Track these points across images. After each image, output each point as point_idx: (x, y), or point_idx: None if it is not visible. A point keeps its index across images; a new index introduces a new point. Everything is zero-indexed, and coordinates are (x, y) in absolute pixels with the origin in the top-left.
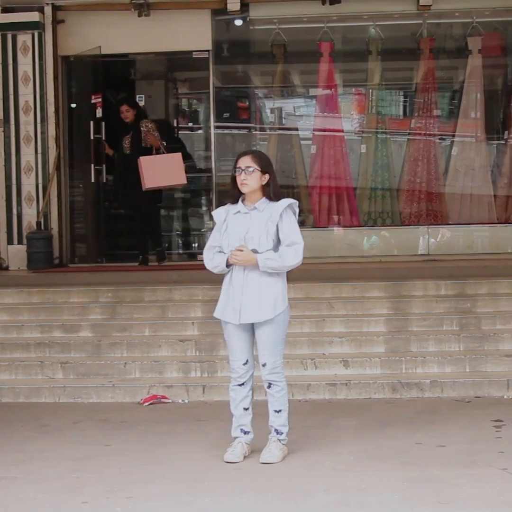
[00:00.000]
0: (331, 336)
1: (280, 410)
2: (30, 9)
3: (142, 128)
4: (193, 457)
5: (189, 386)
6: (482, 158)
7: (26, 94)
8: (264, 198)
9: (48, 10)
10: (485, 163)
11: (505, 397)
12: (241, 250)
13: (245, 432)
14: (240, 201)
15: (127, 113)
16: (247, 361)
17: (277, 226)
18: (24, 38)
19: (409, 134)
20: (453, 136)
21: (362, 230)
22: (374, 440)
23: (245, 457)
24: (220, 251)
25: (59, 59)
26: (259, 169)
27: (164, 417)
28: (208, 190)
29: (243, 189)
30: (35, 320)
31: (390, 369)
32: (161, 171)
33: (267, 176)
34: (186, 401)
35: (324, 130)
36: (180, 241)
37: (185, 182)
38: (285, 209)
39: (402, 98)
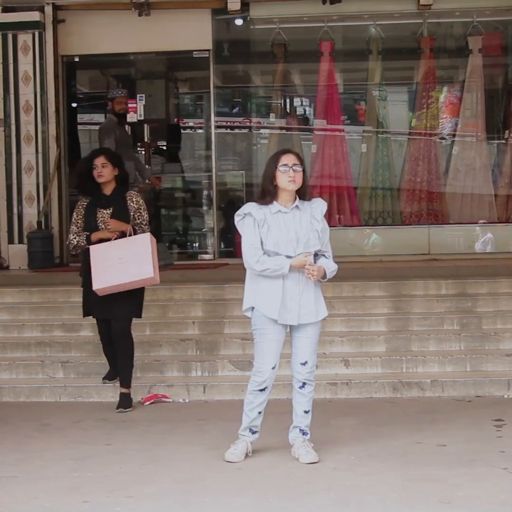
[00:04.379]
0: (332, 335)
1: (308, 411)
2: (30, 9)
3: (130, 204)
4: (193, 457)
5: (189, 386)
6: (482, 157)
7: (26, 93)
8: (298, 197)
9: (48, 9)
10: (486, 163)
11: (505, 396)
12: (307, 258)
13: (253, 432)
14: (275, 201)
15: (103, 170)
16: (275, 365)
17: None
18: (24, 38)
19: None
20: (454, 135)
21: (363, 229)
22: (374, 439)
23: (247, 456)
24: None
25: (60, 59)
26: (303, 168)
27: (165, 416)
28: (209, 189)
29: (291, 186)
30: (36, 320)
31: (391, 369)
32: (120, 264)
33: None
34: (187, 400)
35: (325, 130)
36: (180, 241)
37: (154, 278)
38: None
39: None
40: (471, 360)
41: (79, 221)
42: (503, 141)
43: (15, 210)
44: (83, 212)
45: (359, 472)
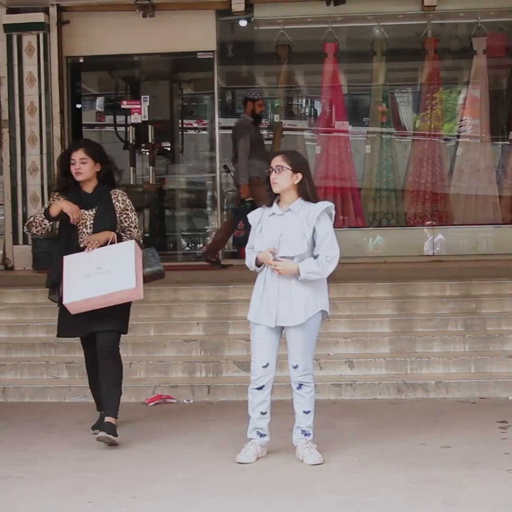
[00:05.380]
0: (336, 336)
1: (308, 411)
2: (35, 10)
3: (116, 204)
4: (198, 457)
5: (194, 386)
6: (487, 158)
7: (31, 94)
8: (299, 198)
9: (53, 11)
10: (490, 164)
11: (510, 398)
12: (272, 252)
13: (261, 435)
14: (275, 203)
15: (82, 166)
16: (267, 364)
17: (314, 229)
18: (29, 39)
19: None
20: (458, 136)
21: (367, 231)
22: (379, 440)
23: (258, 458)
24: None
25: (64, 60)
26: (290, 168)
27: (169, 417)
28: (213, 190)
29: (274, 189)
30: (41, 320)
31: (395, 370)
32: (97, 274)
33: (299, 175)
34: (191, 401)
35: (329, 131)
36: (184, 242)
37: (137, 290)
38: (322, 213)
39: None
40: (475, 361)
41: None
42: (508, 142)
43: (19, 211)
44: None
45: (363, 473)
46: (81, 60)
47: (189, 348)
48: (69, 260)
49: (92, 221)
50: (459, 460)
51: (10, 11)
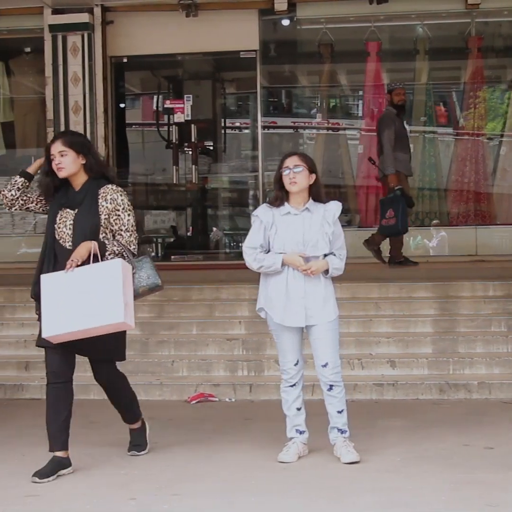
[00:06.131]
0: (378, 336)
1: (342, 410)
2: (79, 11)
3: (103, 204)
4: (239, 456)
5: (236, 385)
6: None
7: (75, 94)
8: (311, 199)
9: (97, 11)
10: None
11: None
12: (302, 256)
13: (301, 432)
14: (286, 203)
15: (62, 159)
16: (298, 361)
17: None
18: (73, 39)
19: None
20: (502, 135)
21: (409, 230)
22: (421, 441)
23: (300, 457)
24: (262, 251)
25: (108, 60)
26: (307, 168)
27: (211, 415)
28: (255, 189)
29: (293, 188)
30: None
31: (438, 370)
32: (80, 301)
33: (313, 176)
34: (233, 400)
35: (372, 130)
36: (227, 241)
37: (126, 323)
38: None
39: None
40: None
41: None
42: None
43: None
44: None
45: (405, 473)
46: (125, 60)
47: (231, 346)
48: (46, 282)
49: (72, 223)
50: (502, 462)
51: (55, 11)
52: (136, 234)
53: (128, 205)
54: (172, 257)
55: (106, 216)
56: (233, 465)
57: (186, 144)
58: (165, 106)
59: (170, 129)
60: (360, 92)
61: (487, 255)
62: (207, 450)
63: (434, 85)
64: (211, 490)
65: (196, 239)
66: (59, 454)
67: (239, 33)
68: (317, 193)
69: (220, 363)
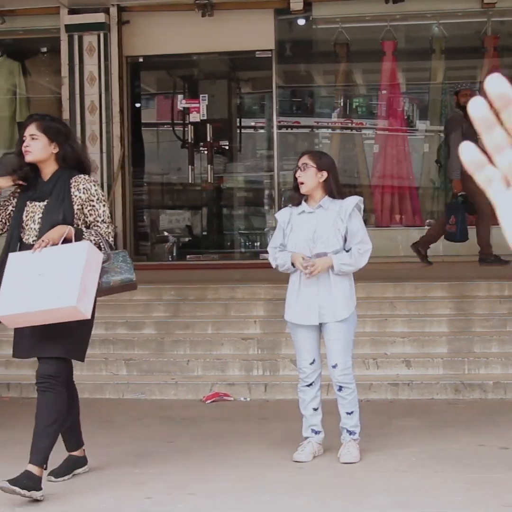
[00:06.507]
0: (393, 336)
1: (351, 412)
2: (96, 11)
3: (76, 194)
4: (254, 455)
5: (251, 384)
6: None
7: (91, 94)
8: (326, 196)
9: (113, 11)
10: None
11: None
12: (312, 264)
13: (316, 432)
14: (303, 202)
15: (32, 143)
16: (314, 360)
17: (346, 223)
18: (90, 39)
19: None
20: None
21: (425, 230)
22: (435, 441)
23: (315, 456)
24: (281, 251)
25: (124, 59)
26: (315, 166)
27: (226, 414)
28: (271, 189)
29: (301, 189)
30: (100, 317)
31: (453, 370)
32: (37, 283)
33: (324, 173)
34: (248, 399)
35: (387, 130)
36: (242, 240)
37: (78, 309)
38: (353, 208)
39: None
40: None
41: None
42: None
43: None
44: (14, 202)
45: (420, 473)
46: (141, 60)
47: (246, 346)
48: (13, 260)
49: (40, 216)
50: None
51: (72, 11)
52: (113, 226)
53: (103, 196)
54: (188, 256)
55: (79, 207)
56: (248, 464)
57: (201, 143)
58: (181, 105)
59: (186, 128)
60: (376, 92)
61: (503, 254)
62: (222, 450)
63: (449, 84)
64: (226, 489)
65: (211, 238)
66: (75, 453)
67: (255, 33)
68: (330, 190)
69: (235, 362)
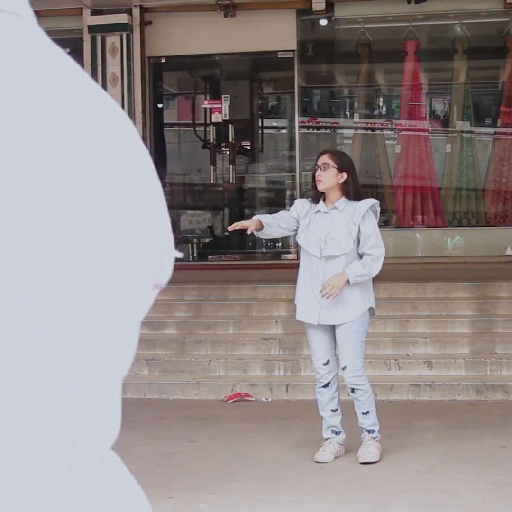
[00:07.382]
0: (415, 336)
1: (367, 412)
2: (118, 11)
3: None
4: (276, 455)
5: (272, 385)
6: None
7: (114, 94)
8: (343, 197)
9: (136, 11)
10: None
11: None
12: (331, 286)
13: (337, 433)
14: (321, 201)
15: None
16: (328, 361)
17: (359, 227)
18: (112, 40)
19: (494, 133)
20: None
21: (447, 231)
22: (457, 442)
23: (336, 457)
24: (280, 218)
25: (147, 60)
26: (335, 166)
27: (248, 415)
28: (292, 189)
29: (319, 186)
30: None
31: (475, 371)
32: None
33: (344, 175)
34: (270, 399)
35: (409, 130)
36: (264, 241)
37: None
38: (367, 211)
39: None
40: None
41: None
42: None
43: None
44: None
45: (442, 474)
46: (163, 60)
47: (267, 346)
48: None
49: None
50: None
51: (94, 12)
52: None
53: None
54: (209, 256)
55: None
56: (270, 464)
57: (223, 144)
58: (203, 106)
59: (208, 129)
60: (398, 92)
61: None
62: (243, 450)
63: (472, 84)
64: (247, 489)
65: (233, 238)
66: None
67: (277, 33)
68: (348, 191)
69: (256, 362)
